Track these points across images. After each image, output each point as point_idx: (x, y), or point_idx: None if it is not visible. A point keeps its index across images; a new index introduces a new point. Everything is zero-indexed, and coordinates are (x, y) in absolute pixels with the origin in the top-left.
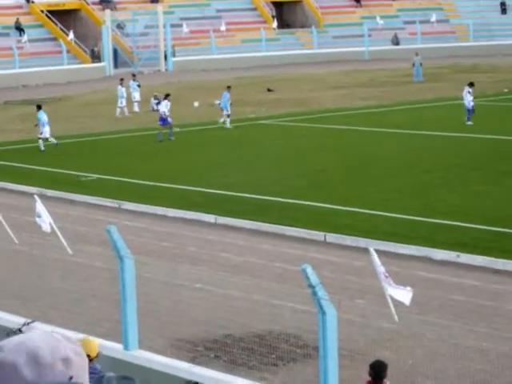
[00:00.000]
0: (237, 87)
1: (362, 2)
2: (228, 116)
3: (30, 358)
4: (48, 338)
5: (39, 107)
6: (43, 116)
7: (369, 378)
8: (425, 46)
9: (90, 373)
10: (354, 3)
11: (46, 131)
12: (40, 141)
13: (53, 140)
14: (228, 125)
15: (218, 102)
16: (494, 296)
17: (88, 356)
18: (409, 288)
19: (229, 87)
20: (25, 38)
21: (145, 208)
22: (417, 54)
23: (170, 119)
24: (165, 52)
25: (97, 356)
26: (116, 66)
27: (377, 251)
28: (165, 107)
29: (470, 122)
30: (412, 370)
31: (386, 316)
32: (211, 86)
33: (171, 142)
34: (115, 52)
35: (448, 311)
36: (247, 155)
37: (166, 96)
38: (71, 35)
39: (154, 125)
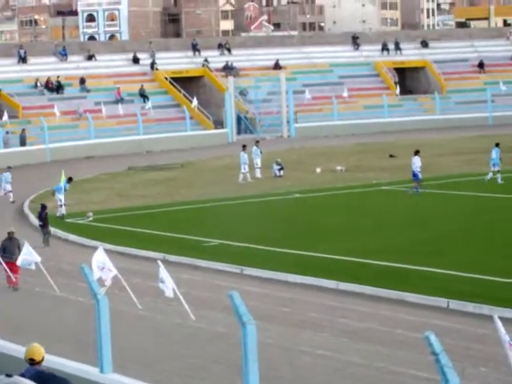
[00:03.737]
0: (358, 153)
1: (485, 68)
2: (498, 171)
3: None
4: None
5: (70, 179)
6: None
7: None
8: None
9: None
10: (477, 69)
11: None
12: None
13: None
14: (500, 180)
15: (340, 168)
16: None
17: (32, 360)
18: None
19: (497, 144)
20: (149, 104)
21: (266, 273)
22: None
23: (420, 175)
24: (287, 118)
25: (42, 360)
26: (239, 132)
27: (501, 319)
28: (417, 163)
29: None
30: None
31: None
32: (333, 152)
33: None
34: (238, 118)
35: None
36: (369, 221)
37: (417, 152)
38: (195, 102)
39: (276, 191)
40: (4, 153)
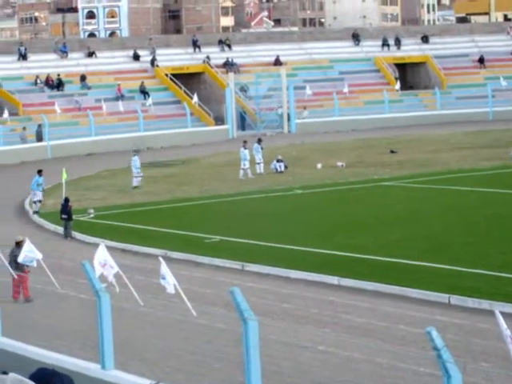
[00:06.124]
0: (359, 149)
1: (486, 63)
2: None
3: None
4: None
5: (40, 172)
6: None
7: None
8: None
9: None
10: (478, 64)
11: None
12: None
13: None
14: None
15: (341, 163)
16: None
17: None
18: None
19: None
20: (149, 101)
21: (268, 269)
22: None
23: None
24: (288, 114)
25: None
26: (242, 128)
27: (502, 313)
28: None
29: None
30: None
31: None
32: (334, 148)
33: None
34: (240, 115)
35: None
36: (370, 217)
37: None
38: (195, 98)
39: (277, 187)
40: (3, 150)
